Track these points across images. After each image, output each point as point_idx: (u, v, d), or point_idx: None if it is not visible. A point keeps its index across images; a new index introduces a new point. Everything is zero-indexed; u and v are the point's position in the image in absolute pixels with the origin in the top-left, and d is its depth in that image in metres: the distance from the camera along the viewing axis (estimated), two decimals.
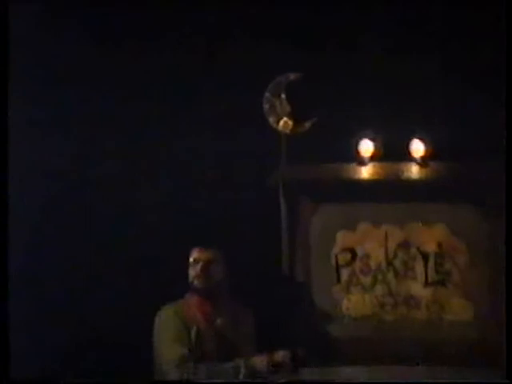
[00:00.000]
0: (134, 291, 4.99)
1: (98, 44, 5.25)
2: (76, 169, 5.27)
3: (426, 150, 4.69)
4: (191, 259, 4.51)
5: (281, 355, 4.34)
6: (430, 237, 4.74)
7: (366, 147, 4.71)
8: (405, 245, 4.76)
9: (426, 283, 4.73)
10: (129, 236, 5.16)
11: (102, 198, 5.25)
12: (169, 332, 4.39)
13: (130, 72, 5.23)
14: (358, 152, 4.72)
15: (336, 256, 4.77)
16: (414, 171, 4.73)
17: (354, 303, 4.77)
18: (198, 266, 4.48)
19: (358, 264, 4.78)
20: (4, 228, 4.39)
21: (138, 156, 5.32)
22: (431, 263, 4.73)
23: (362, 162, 4.71)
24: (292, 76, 4.72)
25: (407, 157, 4.73)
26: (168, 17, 5.22)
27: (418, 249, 4.75)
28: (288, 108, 4.71)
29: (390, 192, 4.72)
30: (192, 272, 4.48)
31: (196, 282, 4.48)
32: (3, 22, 4.47)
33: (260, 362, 4.32)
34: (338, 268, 4.77)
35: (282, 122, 4.71)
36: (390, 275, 4.76)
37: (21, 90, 4.95)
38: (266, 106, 4.72)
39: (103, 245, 5.17)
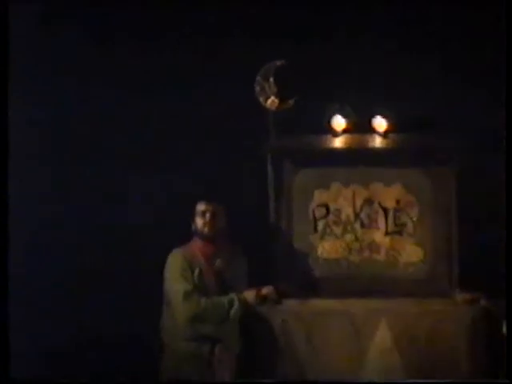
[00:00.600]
0: (134, 291, 4.93)
1: (98, 44, 5.06)
2: (76, 169, 5.11)
3: (388, 125, 4.90)
4: (199, 211, 4.70)
5: (267, 289, 4.70)
6: (390, 195, 4.96)
7: (339, 122, 4.92)
8: (369, 201, 4.98)
9: (386, 232, 4.96)
10: (129, 234, 5.02)
11: (103, 194, 5.08)
12: (177, 271, 4.64)
13: (130, 72, 5.07)
14: (331, 126, 4.92)
15: (313, 210, 4.98)
16: (378, 142, 4.94)
17: (327, 248, 4.98)
18: (207, 216, 4.68)
19: (331, 217, 4.98)
20: (4, 228, 4.14)
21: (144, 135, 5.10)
22: (390, 216, 4.95)
23: (335, 134, 4.92)
24: (278, 63, 4.88)
25: (372, 130, 4.93)
26: (168, 17, 5.04)
27: (379, 204, 4.96)
28: (275, 89, 4.87)
29: (357, 158, 4.94)
30: (200, 221, 4.69)
31: (204, 230, 4.69)
32: (3, 22, 4.21)
33: (250, 295, 4.65)
34: (314, 220, 4.98)
35: (269, 101, 4.89)
36: (357, 226, 4.98)
37: (21, 90, 4.70)
38: (257, 88, 4.89)
39: (104, 243, 5.03)
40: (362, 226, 5.00)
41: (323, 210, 4.99)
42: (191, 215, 4.75)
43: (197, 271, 4.67)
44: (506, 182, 4.14)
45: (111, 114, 5.05)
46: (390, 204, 4.98)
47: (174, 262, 4.71)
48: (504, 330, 4.31)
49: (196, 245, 4.75)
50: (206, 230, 4.71)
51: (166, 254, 4.74)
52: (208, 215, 4.70)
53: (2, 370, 4.04)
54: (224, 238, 4.78)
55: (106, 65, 5.06)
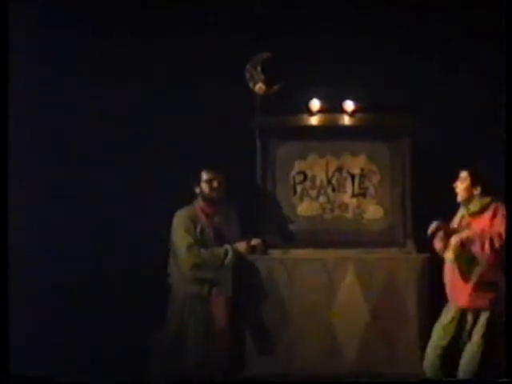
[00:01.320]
0: (134, 291, 5.00)
1: (98, 44, 5.01)
2: (76, 169, 5.06)
3: (355, 107, 5.30)
4: (205, 178, 5.02)
5: (256, 241, 5.14)
6: (356, 164, 5.36)
7: (315, 104, 5.30)
8: (339, 169, 5.36)
9: (353, 195, 5.37)
10: (129, 234, 5.04)
11: (102, 194, 5.08)
12: (181, 227, 5.01)
13: (130, 71, 5.09)
14: (309, 107, 5.29)
15: (293, 177, 5.36)
16: (347, 120, 5.33)
17: (305, 208, 5.36)
18: (214, 183, 5.00)
19: (307, 182, 5.36)
20: (4, 228, 3.99)
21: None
22: (356, 181, 5.35)
23: (311, 113, 5.29)
24: (265, 55, 5.30)
25: (342, 111, 5.30)
26: (168, 17, 5.10)
27: (347, 172, 5.35)
28: (262, 76, 5.25)
29: (330, 134, 5.35)
30: (206, 187, 5.02)
31: (210, 194, 5.02)
32: (3, 22, 4.07)
33: (242, 246, 5.07)
34: (294, 185, 5.36)
35: (257, 86, 5.27)
36: (329, 190, 5.36)
37: (21, 90, 4.57)
38: (247, 75, 5.27)
39: (104, 244, 5.00)
40: (333, 189, 5.38)
41: (301, 177, 5.38)
42: (196, 181, 5.09)
43: (199, 227, 5.05)
44: (505, 180, 4.10)
45: (111, 113, 5.05)
46: (356, 171, 5.37)
47: (179, 219, 5.07)
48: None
49: (198, 205, 5.13)
50: (209, 194, 5.05)
51: (165, 254, 4.90)
52: (215, 183, 5.03)
53: (2, 370, 3.93)
54: (221, 200, 5.15)
55: (106, 65, 5.04)
